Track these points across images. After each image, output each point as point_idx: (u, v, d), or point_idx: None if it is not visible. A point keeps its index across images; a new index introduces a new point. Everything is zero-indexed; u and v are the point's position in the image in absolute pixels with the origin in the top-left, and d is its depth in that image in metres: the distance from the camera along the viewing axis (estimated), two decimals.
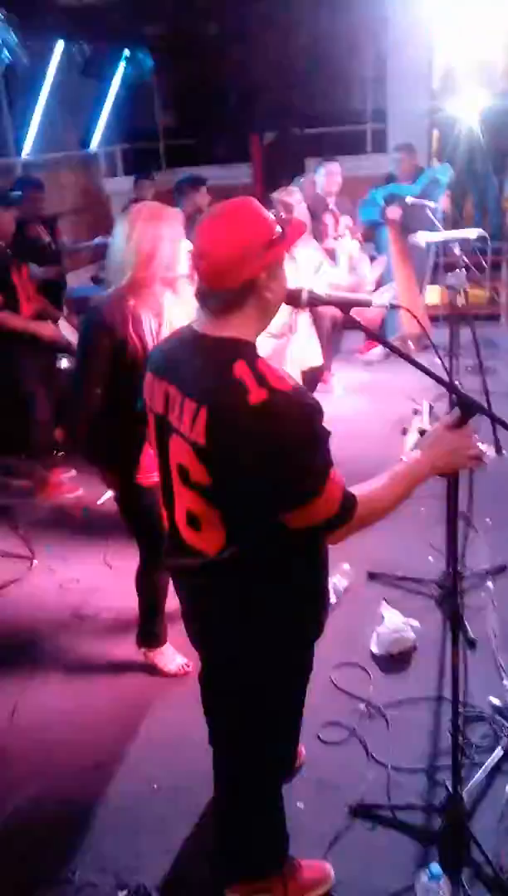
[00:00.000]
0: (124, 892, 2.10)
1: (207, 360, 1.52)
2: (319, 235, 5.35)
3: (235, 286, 1.49)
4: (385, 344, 1.89)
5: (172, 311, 2.45)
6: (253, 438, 1.42)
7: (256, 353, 1.51)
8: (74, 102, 8.33)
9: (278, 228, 1.52)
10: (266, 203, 4.84)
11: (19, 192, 4.15)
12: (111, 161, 9.00)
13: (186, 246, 2.39)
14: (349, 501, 1.52)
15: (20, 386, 4.25)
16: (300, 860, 2.06)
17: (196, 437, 1.49)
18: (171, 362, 1.63)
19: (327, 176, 5.74)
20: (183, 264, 2.49)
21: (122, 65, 8.14)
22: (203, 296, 1.54)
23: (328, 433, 1.51)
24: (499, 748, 2.40)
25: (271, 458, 1.43)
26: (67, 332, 4.49)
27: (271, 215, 1.54)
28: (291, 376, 1.52)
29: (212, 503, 1.55)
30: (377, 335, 1.88)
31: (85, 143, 8.59)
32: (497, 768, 2.35)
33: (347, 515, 1.52)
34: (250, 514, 1.53)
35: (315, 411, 1.47)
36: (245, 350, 1.50)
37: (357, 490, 1.56)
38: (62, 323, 4.58)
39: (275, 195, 4.50)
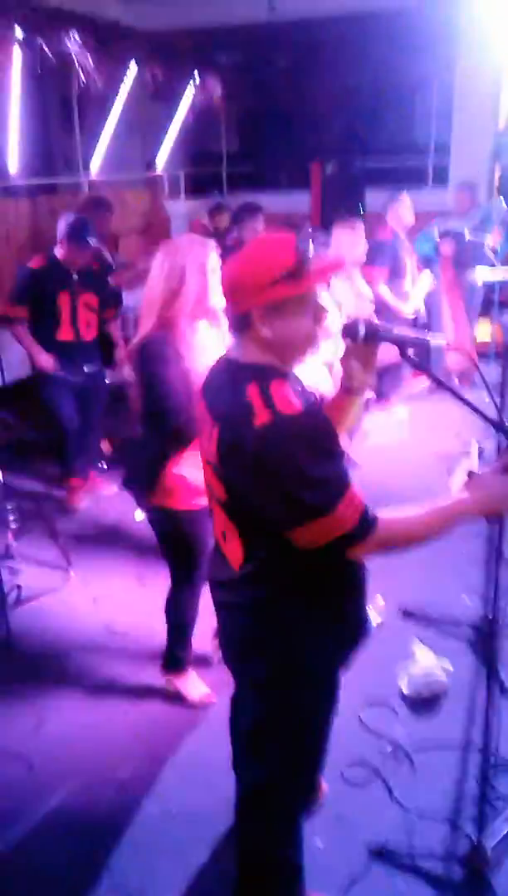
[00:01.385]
0: None
1: (227, 383, 1.61)
2: (399, 271, 5.34)
3: (234, 315, 1.59)
4: (435, 379, 1.88)
5: (210, 341, 2.47)
6: (257, 459, 1.48)
7: (273, 377, 1.55)
8: (143, 125, 8.55)
9: (294, 270, 1.52)
10: (319, 233, 4.89)
11: (93, 240, 4.27)
12: (175, 183, 9.19)
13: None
14: (366, 521, 1.52)
15: (46, 398, 4.35)
16: (316, 894, 2.03)
17: (212, 455, 1.60)
18: (207, 385, 1.71)
19: (402, 208, 5.47)
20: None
21: (191, 90, 8.32)
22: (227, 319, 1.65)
23: (338, 452, 1.55)
24: None
25: (274, 477, 1.48)
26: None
27: (293, 255, 1.54)
28: (310, 397, 1.59)
29: (230, 518, 1.64)
30: (427, 369, 1.87)
31: (151, 165, 8.78)
32: None
33: (363, 534, 1.52)
34: (262, 529, 1.58)
35: (320, 434, 1.52)
36: (262, 374, 1.55)
37: (388, 513, 1.56)
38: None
39: (337, 228, 4.52)
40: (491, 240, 5.74)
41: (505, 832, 2.22)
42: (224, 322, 1.72)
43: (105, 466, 4.84)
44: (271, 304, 1.54)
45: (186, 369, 2.37)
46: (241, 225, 5.56)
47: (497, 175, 8.00)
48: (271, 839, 1.96)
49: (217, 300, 2.39)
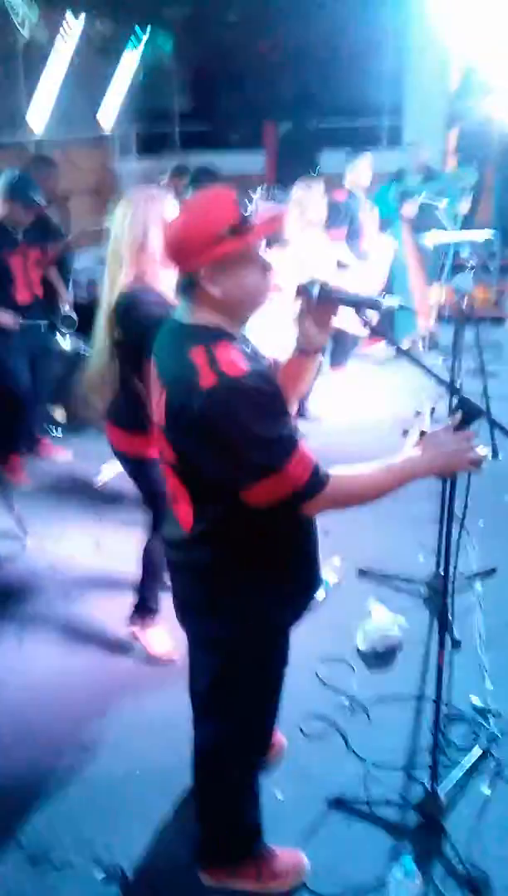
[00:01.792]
0: (102, 873, 2.12)
1: (174, 346, 1.60)
2: (356, 232, 5.30)
3: (181, 277, 1.58)
4: (392, 342, 1.90)
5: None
6: (204, 421, 1.49)
7: (219, 339, 1.55)
8: (91, 82, 8.28)
9: (237, 225, 1.51)
10: (278, 191, 4.84)
11: (39, 199, 4.13)
12: (125, 142, 8.96)
13: None
14: (317, 477, 1.54)
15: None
16: (276, 848, 2.09)
17: (160, 417, 1.61)
18: (157, 348, 1.70)
19: (362, 169, 5.46)
20: None
21: (140, 46, 8.08)
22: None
23: (286, 413, 1.58)
24: (477, 748, 2.42)
25: (222, 439, 1.50)
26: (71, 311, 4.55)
27: (233, 210, 1.52)
28: (258, 358, 1.59)
29: (180, 480, 1.66)
30: (385, 334, 1.89)
31: (99, 123, 8.54)
32: (474, 768, 2.37)
33: (314, 490, 1.54)
34: (211, 490, 1.60)
35: (265, 394, 1.52)
36: (208, 336, 1.55)
37: (340, 470, 1.59)
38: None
39: (296, 187, 4.48)
40: (462, 208, 5.77)
41: (457, 779, 2.31)
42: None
43: (59, 434, 4.79)
44: (217, 262, 1.53)
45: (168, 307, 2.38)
46: (198, 188, 5.45)
47: (452, 137, 7.99)
48: (228, 794, 2.01)
49: None
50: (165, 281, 2.46)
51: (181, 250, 1.56)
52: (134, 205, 2.48)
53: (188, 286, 1.58)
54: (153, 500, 2.71)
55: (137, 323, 2.39)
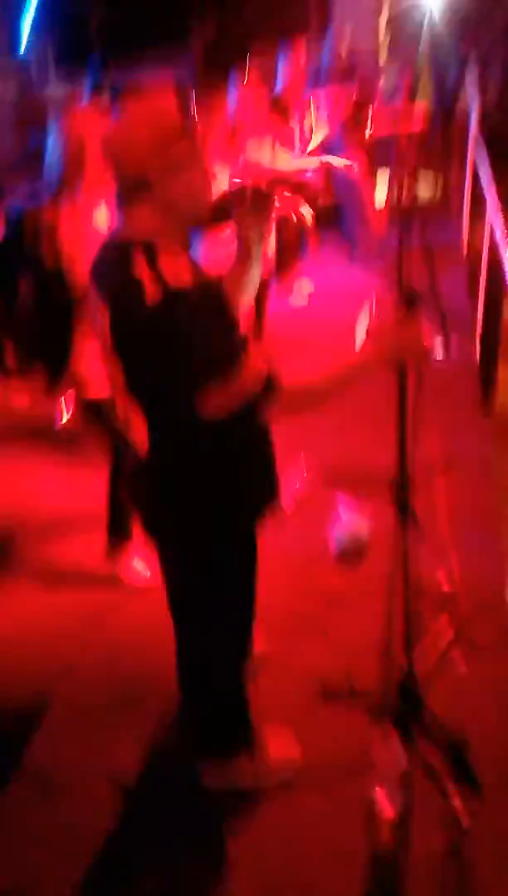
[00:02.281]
0: (107, 789, 2.20)
1: (115, 263, 1.56)
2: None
3: (128, 181, 1.53)
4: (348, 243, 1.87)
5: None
6: (151, 336, 1.48)
7: (162, 251, 1.52)
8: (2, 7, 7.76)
9: (184, 125, 1.50)
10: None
11: None
12: (44, 65, 8.48)
13: None
14: (271, 382, 1.55)
15: None
16: (268, 740, 2.19)
17: (105, 336, 1.59)
18: (95, 269, 1.66)
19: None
20: None
21: None
22: (115, 192, 1.58)
23: (234, 320, 1.59)
24: (450, 628, 2.53)
25: (170, 352, 1.49)
26: None
27: (179, 110, 1.51)
28: (195, 271, 1.55)
29: (131, 398, 1.65)
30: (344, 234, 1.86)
31: (13, 47, 8.06)
32: (447, 648, 2.49)
33: (268, 394, 1.55)
34: (164, 406, 1.61)
35: (211, 304, 1.52)
36: (149, 250, 1.52)
37: (292, 372, 1.59)
38: None
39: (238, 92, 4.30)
40: None
41: (432, 658, 2.42)
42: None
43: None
44: (167, 164, 1.50)
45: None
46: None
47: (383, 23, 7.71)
48: (216, 698, 2.10)
49: None
50: (97, 208, 2.40)
51: (131, 154, 1.51)
52: (69, 123, 2.39)
53: (134, 192, 1.53)
54: (113, 433, 2.70)
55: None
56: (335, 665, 2.50)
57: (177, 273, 1.48)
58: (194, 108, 1.52)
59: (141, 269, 1.48)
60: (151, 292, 1.45)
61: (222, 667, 2.06)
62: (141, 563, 2.98)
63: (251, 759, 2.15)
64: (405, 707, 2.29)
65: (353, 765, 2.17)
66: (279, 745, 2.21)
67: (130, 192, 1.54)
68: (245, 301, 1.84)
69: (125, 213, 1.58)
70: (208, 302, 1.51)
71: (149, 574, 2.94)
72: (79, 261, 2.30)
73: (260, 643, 2.47)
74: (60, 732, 2.42)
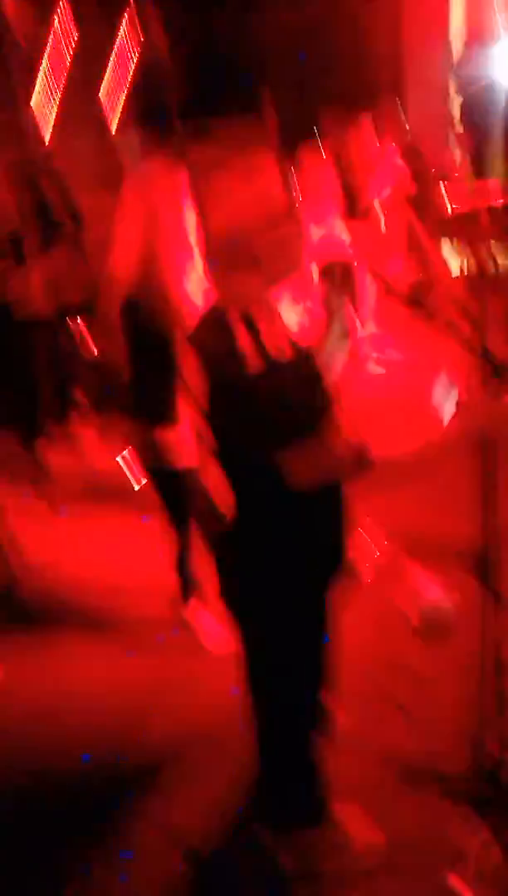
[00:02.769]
0: (181, 855, 2.16)
1: (215, 330, 1.62)
2: None
3: (235, 255, 1.60)
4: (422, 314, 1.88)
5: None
6: (251, 403, 1.53)
7: (261, 318, 1.57)
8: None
9: (288, 210, 1.61)
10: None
11: None
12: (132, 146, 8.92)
13: None
14: (361, 455, 1.58)
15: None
16: (351, 827, 2.10)
17: (201, 403, 1.63)
18: (196, 334, 1.73)
19: None
20: None
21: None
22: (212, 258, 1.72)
23: (327, 389, 1.63)
24: None
25: (267, 417, 1.53)
26: None
27: (287, 194, 1.66)
28: (292, 342, 1.61)
29: (221, 465, 1.68)
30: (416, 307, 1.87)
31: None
32: None
33: (356, 465, 1.59)
34: (255, 473, 1.62)
35: (309, 373, 1.61)
36: (250, 320, 1.57)
37: (378, 443, 1.62)
38: None
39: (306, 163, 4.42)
40: None
41: None
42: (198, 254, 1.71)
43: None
44: (274, 243, 1.56)
45: None
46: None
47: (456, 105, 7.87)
48: (289, 771, 2.06)
49: (192, 231, 2.39)
50: (174, 267, 2.42)
51: (239, 230, 1.58)
52: (143, 181, 2.44)
53: (239, 265, 1.59)
54: (175, 508, 2.73)
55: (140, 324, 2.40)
56: (416, 746, 2.39)
57: (277, 344, 1.51)
58: (296, 186, 1.58)
59: (244, 339, 1.51)
60: (254, 362, 1.48)
61: (296, 739, 2.01)
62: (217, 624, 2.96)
63: (331, 839, 2.06)
64: (494, 796, 2.17)
65: (437, 853, 2.06)
66: (361, 829, 2.12)
67: (236, 265, 1.59)
68: (335, 373, 1.86)
69: (227, 284, 1.63)
70: (305, 373, 1.54)
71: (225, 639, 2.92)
72: (175, 323, 2.33)
73: (339, 719, 2.40)
74: (127, 794, 2.39)
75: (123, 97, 8.21)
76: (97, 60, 8.10)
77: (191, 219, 2.42)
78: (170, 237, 2.41)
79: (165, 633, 3.05)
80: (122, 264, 2.43)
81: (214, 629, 2.96)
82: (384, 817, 2.17)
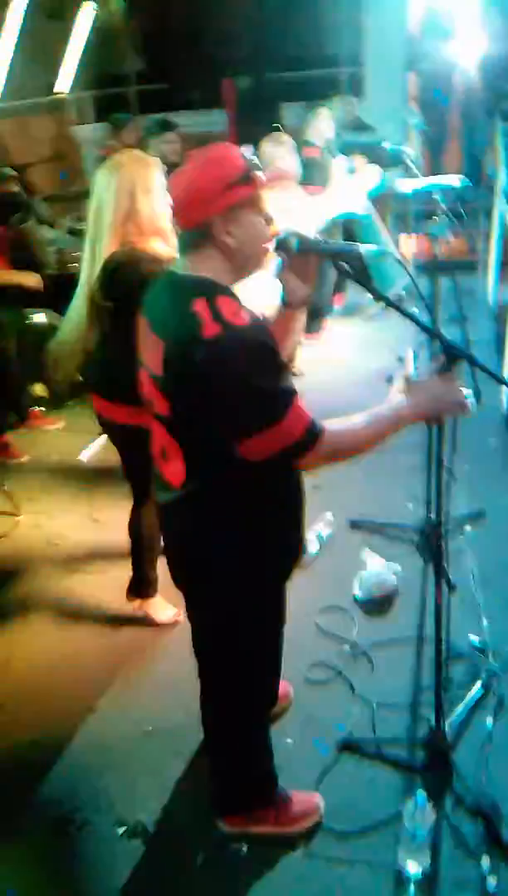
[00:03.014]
0: (123, 829, 2.19)
1: (173, 298, 1.60)
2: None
3: (191, 227, 1.58)
4: (376, 294, 1.89)
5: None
6: (205, 370, 1.49)
7: (220, 291, 1.56)
8: (42, 48, 8.06)
9: (246, 173, 1.57)
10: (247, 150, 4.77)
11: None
12: (82, 108, 8.76)
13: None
14: (313, 429, 1.57)
15: None
16: (291, 793, 2.16)
17: (156, 368, 1.59)
18: (149, 302, 1.70)
19: (323, 121, 5.38)
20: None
21: (91, 7, 7.86)
22: (177, 236, 1.64)
23: (283, 365, 1.61)
24: (479, 684, 2.50)
25: (222, 388, 1.50)
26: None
27: (241, 160, 1.58)
28: (253, 313, 1.60)
29: (172, 434, 1.65)
30: (371, 287, 1.87)
31: (53, 88, 8.33)
32: (477, 704, 2.45)
33: (310, 442, 1.57)
34: (207, 445, 1.60)
35: (267, 346, 1.56)
36: (209, 288, 1.56)
37: (332, 422, 1.61)
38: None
39: (264, 144, 4.41)
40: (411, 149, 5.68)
41: (461, 715, 2.38)
42: (173, 241, 1.70)
43: (43, 409, 4.78)
44: (230, 209, 1.55)
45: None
46: (152, 143, 5.32)
47: (412, 82, 7.87)
48: (240, 746, 2.07)
49: (167, 219, 2.36)
50: (151, 250, 2.42)
51: (195, 201, 1.56)
52: (119, 168, 2.41)
53: (197, 239, 1.59)
54: (144, 471, 2.70)
55: (133, 280, 2.30)
56: (360, 716, 2.46)
57: (235, 312, 1.52)
58: (252, 157, 1.58)
59: (200, 305, 1.51)
60: (210, 327, 1.48)
61: (245, 714, 2.03)
62: (164, 602, 2.97)
63: (274, 809, 2.12)
64: (432, 765, 2.25)
65: (378, 819, 2.13)
66: (302, 795, 2.17)
67: (193, 237, 1.59)
68: (290, 347, 1.86)
69: (187, 256, 1.62)
70: (262, 343, 1.54)
71: (175, 612, 2.94)
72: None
73: (284, 691, 2.45)
74: (76, 766, 2.40)
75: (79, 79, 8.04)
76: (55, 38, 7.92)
77: (165, 204, 2.41)
78: (151, 219, 2.42)
79: (117, 605, 3.05)
80: (107, 241, 2.42)
81: (163, 608, 2.98)
82: (325, 786, 2.23)
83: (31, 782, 2.36)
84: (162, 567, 2.88)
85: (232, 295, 1.60)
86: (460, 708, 2.40)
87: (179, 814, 2.24)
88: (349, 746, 2.36)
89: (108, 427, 2.77)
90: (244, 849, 2.09)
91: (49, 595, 3.22)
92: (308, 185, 4.80)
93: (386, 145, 5.01)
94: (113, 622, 3.01)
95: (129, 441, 2.72)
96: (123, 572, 3.01)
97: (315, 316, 5.56)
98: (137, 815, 2.22)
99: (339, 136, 5.73)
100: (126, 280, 2.35)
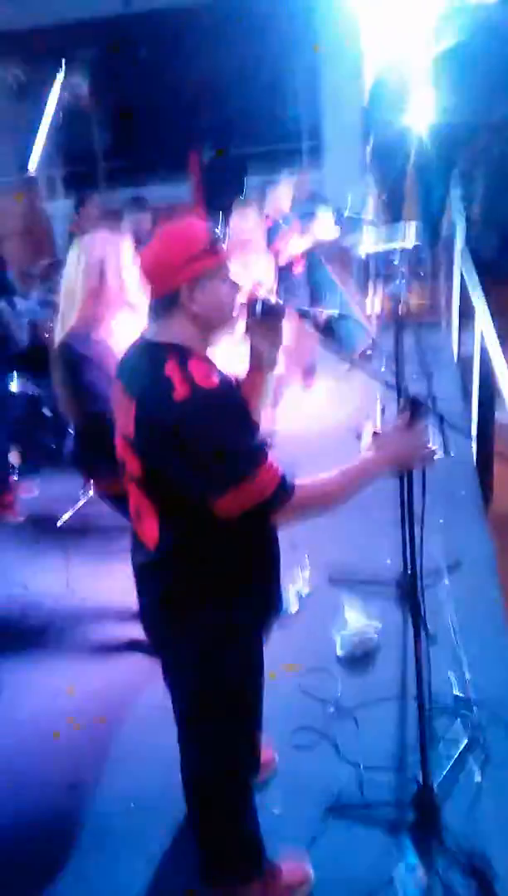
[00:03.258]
0: None
1: (144, 361, 1.66)
2: None
3: (160, 296, 1.65)
4: (341, 354, 1.96)
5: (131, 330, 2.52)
6: (177, 431, 1.54)
7: (191, 355, 1.62)
8: (11, 127, 8.33)
9: (210, 245, 1.64)
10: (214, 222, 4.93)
11: None
12: (51, 184, 9.01)
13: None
14: (285, 486, 1.60)
15: None
16: (280, 863, 2.10)
17: (128, 430, 1.63)
18: (123, 366, 1.75)
19: (282, 193, 5.58)
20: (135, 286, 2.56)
21: (57, 88, 8.17)
22: (148, 305, 1.70)
23: (254, 425, 1.67)
24: (465, 738, 2.48)
25: (194, 448, 1.54)
26: None
27: (205, 233, 1.66)
28: (225, 376, 1.66)
29: (146, 494, 1.68)
30: (336, 347, 1.94)
31: (23, 167, 8.57)
32: (463, 757, 2.42)
33: (282, 498, 1.59)
34: (180, 503, 1.63)
35: (237, 406, 1.63)
36: (180, 352, 1.62)
37: (303, 479, 1.64)
38: None
39: (233, 214, 4.56)
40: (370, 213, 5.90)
41: (448, 770, 2.35)
42: (142, 311, 1.76)
43: (16, 477, 4.77)
44: (195, 279, 1.61)
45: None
46: (127, 219, 5.50)
47: (368, 150, 8.21)
48: (224, 816, 2.02)
49: (135, 293, 2.45)
50: (116, 326, 2.50)
51: (162, 272, 1.63)
52: (89, 247, 2.52)
53: (166, 306, 1.64)
54: None
55: (76, 381, 2.44)
56: (346, 778, 2.41)
57: (205, 374, 1.57)
58: (218, 226, 1.65)
59: (171, 368, 1.55)
60: (180, 389, 1.52)
61: (228, 781, 1.98)
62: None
63: (262, 881, 2.05)
64: (421, 820, 2.21)
65: (370, 884, 2.07)
66: (291, 865, 2.11)
67: (162, 305, 1.65)
68: (260, 407, 1.90)
69: (158, 323, 1.67)
70: (232, 404, 1.58)
71: None
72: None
73: (267, 757, 2.40)
74: (60, 852, 2.31)
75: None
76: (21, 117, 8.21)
77: (133, 278, 2.51)
78: (118, 294, 2.52)
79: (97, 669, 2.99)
80: (78, 314, 2.52)
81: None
82: (314, 849, 2.18)
83: (10, 865, 2.28)
84: None
85: (204, 358, 1.65)
86: (447, 763, 2.37)
87: (166, 890, 2.16)
88: (336, 810, 2.31)
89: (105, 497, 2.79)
90: None
91: (23, 664, 3.15)
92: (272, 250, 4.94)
93: (346, 213, 5.22)
94: (86, 695, 2.93)
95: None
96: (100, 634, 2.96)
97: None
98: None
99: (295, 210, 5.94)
100: (73, 377, 2.50)
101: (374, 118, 7.84)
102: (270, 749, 2.40)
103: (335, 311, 1.80)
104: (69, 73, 8.21)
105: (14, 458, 4.84)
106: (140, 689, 2.86)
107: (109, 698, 2.90)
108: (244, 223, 4.54)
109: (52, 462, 4.52)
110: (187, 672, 1.84)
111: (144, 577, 1.82)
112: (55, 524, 4.06)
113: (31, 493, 4.58)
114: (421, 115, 6.98)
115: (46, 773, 2.61)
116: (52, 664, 3.15)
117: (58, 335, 2.57)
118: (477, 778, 2.36)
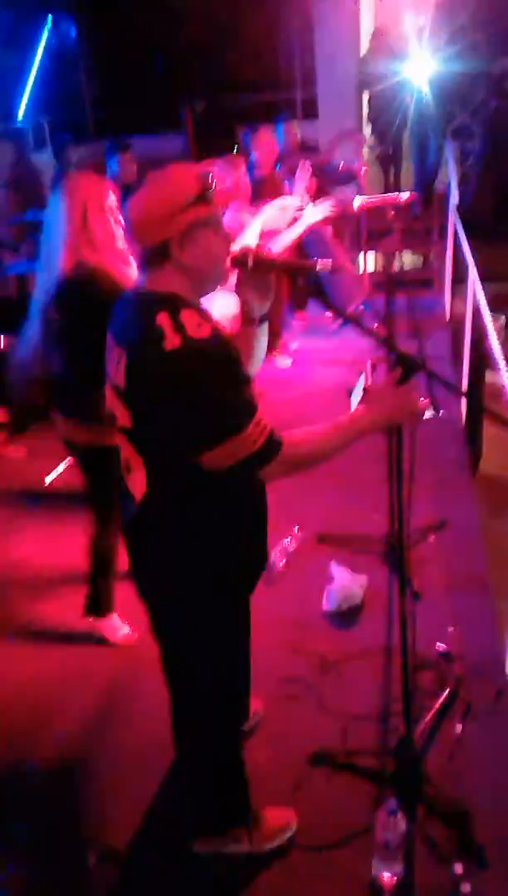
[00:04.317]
0: (94, 854, 2.16)
1: (137, 311, 1.63)
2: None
3: (148, 246, 1.61)
4: (334, 310, 1.94)
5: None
6: (167, 381, 1.53)
7: (183, 305, 1.58)
8: None
9: (202, 193, 1.59)
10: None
11: None
12: (39, 133, 8.79)
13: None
14: (274, 440, 1.59)
15: None
16: (264, 809, 2.15)
17: (119, 380, 1.61)
18: (115, 317, 1.72)
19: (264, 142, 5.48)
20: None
21: (45, 34, 7.93)
22: (137, 254, 1.66)
23: (245, 377, 1.64)
24: (446, 691, 2.53)
25: (184, 399, 1.53)
26: None
27: (196, 181, 1.59)
28: (218, 326, 1.62)
29: (135, 446, 1.66)
30: (328, 302, 1.91)
31: (11, 116, 8.36)
32: (444, 709, 2.47)
33: (271, 453, 1.59)
34: (169, 455, 1.62)
35: (229, 358, 1.59)
36: (171, 302, 1.58)
37: (292, 433, 1.63)
38: None
39: (219, 164, 4.46)
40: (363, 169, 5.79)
41: (430, 721, 2.41)
42: (133, 263, 1.72)
43: (6, 434, 4.74)
44: (186, 229, 1.57)
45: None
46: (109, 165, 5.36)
47: (365, 102, 8.04)
48: (212, 764, 2.06)
49: (120, 239, 2.40)
50: (109, 270, 2.44)
51: (151, 221, 1.58)
52: (72, 189, 2.44)
53: (155, 256, 1.60)
54: (106, 491, 2.69)
55: (91, 300, 2.31)
56: (330, 729, 2.47)
57: (197, 324, 1.54)
58: (212, 175, 1.60)
59: (163, 318, 1.53)
60: (172, 339, 1.50)
61: (215, 730, 2.02)
62: (120, 621, 2.96)
63: (247, 827, 2.11)
64: (403, 773, 2.27)
65: (350, 830, 2.13)
66: (275, 812, 2.17)
67: (151, 256, 1.61)
68: (252, 363, 1.88)
69: (147, 274, 1.64)
70: (224, 355, 1.56)
71: (129, 631, 2.93)
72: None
73: (254, 707, 2.45)
74: (47, 797, 2.36)
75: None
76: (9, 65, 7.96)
77: (118, 225, 2.45)
78: (102, 234, 2.45)
79: (74, 626, 3.01)
80: (62, 256, 2.44)
81: (117, 620, 2.96)
82: (298, 799, 2.23)
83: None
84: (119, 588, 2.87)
85: (196, 308, 1.62)
86: (428, 715, 2.43)
87: (150, 836, 2.21)
88: (319, 759, 2.36)
89: (71, 448, 2.77)
90: (220, 869, 2.08)
91: (13, 621, 3.18)
92: (260, 203, 4.85)
93: (339, 164, 5.12)
94: (71, 640, 2.98)
95: (90, 462, 2.72)
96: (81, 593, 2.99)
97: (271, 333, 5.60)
98: (107, 840, 2.19)
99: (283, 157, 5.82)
100: (85, 298, 2.38)
101: (370, 69, 7.66)
102: (257, 697, 2.44)
103: (329, 265, 1.76)
104: (58, 18, 7.95)
105: (1, 415, 4.81)
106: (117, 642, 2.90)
107: (92, 653, 2.93)
108: (230, 173, 4.45)
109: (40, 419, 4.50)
110: (175, 623, 1.86)
111: (133, 530, 1.83)
112: (39, 484, 4.07)
113: (17, 453, 4.56)
114: (420, 66, 6.82)
115: (30, 720, 2.65)
116: (39, 625, 3.19)
117: (41, 280, 2.50)
118: (458, 729, 2.41)
